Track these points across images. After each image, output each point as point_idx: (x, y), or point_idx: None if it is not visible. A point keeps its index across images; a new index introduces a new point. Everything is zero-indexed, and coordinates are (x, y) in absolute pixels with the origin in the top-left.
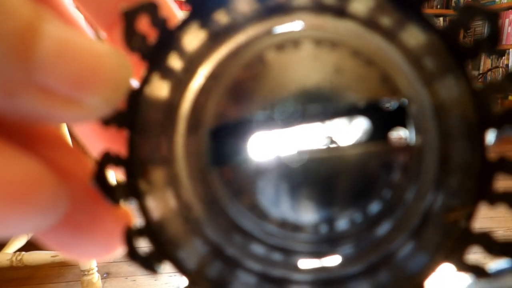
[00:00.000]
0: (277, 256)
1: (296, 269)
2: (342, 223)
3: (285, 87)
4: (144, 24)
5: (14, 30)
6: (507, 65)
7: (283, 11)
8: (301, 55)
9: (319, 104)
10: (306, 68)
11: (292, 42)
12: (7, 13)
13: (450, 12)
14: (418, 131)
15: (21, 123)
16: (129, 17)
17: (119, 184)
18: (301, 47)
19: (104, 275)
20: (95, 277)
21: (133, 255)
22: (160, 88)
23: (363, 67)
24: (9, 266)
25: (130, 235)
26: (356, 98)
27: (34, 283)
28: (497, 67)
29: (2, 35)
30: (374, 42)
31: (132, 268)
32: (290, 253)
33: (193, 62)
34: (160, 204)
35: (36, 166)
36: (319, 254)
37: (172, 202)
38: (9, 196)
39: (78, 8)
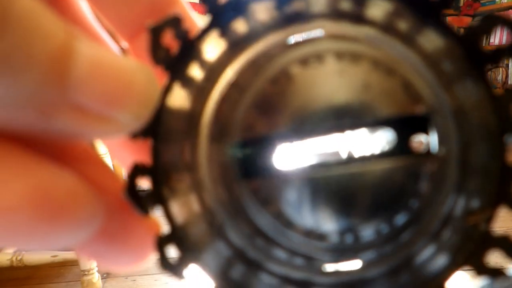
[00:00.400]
0: (299, 261)
1: (318, 272)
2: (367, 234)
3: (313, 103)
4: (168, 38)
5: (50, 52)
6: (507, 64)
7: (301, 18)
8: (326, 71)
9: (347, 120)
10: (333, 84)
11: (315, 56)
12: (43, 36)
13: (450, 11)
14: (441, 139)
15: (57, 140)
16: (155, 33)
17: (147, 194)
18: (325, 62)
19: (104, 275)
20: (95, 277)
21: (164, 262)
22: (182, 97)
23: (386, 79)
24: (9, 266)
25: (161, 243)
26: (384, 112)
27: (34, 283)
28: (497, 66)
29: (39, 58)
30: (393, 48)
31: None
32: (312, 259)
33: (214, 71)
34: (184, 210)
35: (75, 181)
36: (341, 260)
37: (195, 207)
38: (52, 211)
39: (97, 17)
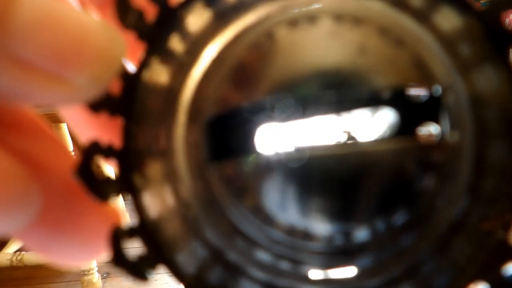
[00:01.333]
0: (284, 265)
1: (306, 280)
2: (361, 233)
3: (298, 69)
4: None
5: None
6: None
7: None
8: (317, 32)
9: (339, 90)
10: (323, 47)
11: (307, 17)
12: None
13: None
14: (453, 126)
15: None
16: None
17: (108, 178)
18: (318, 23)
19: (104, 275)
20: (95, 277)
21: (119, 259)
22: (160, 73)
23: (392, 48)
24: (9, 266)
25: (118, 236)
26: (383, 83)
27: (34, 283)
28: None
29: None
30: (404, 22)
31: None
32: (299, 263)
33: (196, 45)
34: (156, 201)
35: (0, 157)
36: (332, 265)
37: (169, 199)
38: None
39: None
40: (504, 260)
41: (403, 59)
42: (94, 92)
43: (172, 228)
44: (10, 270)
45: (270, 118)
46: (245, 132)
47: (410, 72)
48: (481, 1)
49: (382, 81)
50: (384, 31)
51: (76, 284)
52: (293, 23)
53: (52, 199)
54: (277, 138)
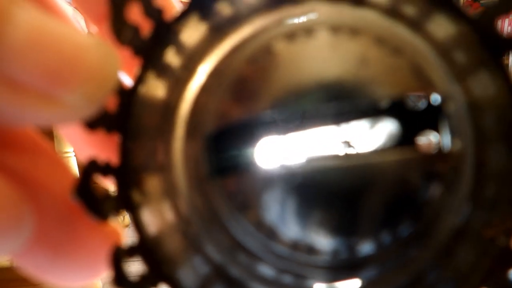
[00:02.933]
0: (288, 280)
1: None
2: (366, 247)
3: (298, 82)
4: (136, 14)
5: None
6: (507, 65)
7: (294, 0)
8: (315, 45)
9: (339, 102)
10: (322, 60)
11: (304, 30)
12: None
13: None
14: (454, 134)
15: None
16: (117, 4)
17: (107, 197)
18: (315, 36)
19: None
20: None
21: (120, 279)
22: (156, 88)
23: (391, 57)
24: (9, 266)
25: (118, 256)
26: (384, 93)
27: (34, 283)
28: None
29: None
30: (399, 31)
31: (133, 268)
32: (303, 278)
33: (192, 59)
34: (156, 217)
35: None
36: (337, 279)
37: (169, 215)
38: None
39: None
40: (508, 266)
41: (402, 68)
42: (89, 111)
43: (173, 245)
44: (10, 270)
45: (270, 131)
46: (245, 145)
47: (410, 81)
48: (481, 1)
49: (383, 91)
50: (381, 41)
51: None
52: (291, 36)
53: (50, 219)
54: (278, 151)
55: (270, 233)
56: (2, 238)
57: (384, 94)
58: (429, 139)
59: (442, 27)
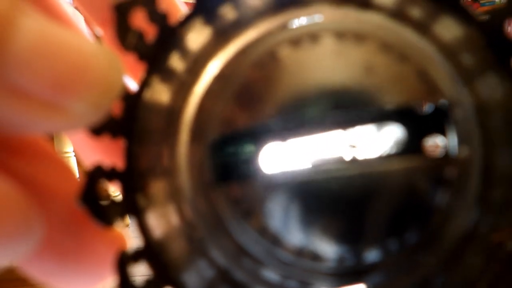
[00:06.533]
0: (293, 285)
1: None
2: (373, 254)
3: (304, 89)
4: (140, 19)
5: None
6: None
7: (298, 3)
8: (321, 52)
9: (345, 109)
10: (328, 67)
11: (309, 36)
12: None
13: None
14: (462, 140)
15: None
16: (122, 11)
17: (112, 202)
18: (321, 42)
19: None
20: None
21: (125, 284)
22: (161, 92)
23: (397, 64)
24: (9, 266)
25: (124, 261)
26: (391, 100)
27: (34, 283)
28: None
29: None
30: (405, 35)
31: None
32: (308, 284)
33: (197, 63)
34: (161, 222)
35: (0, 183)
36: (342, 286)
37: (174, 219)
38: None
39: (77, 8)
40: None
41: (409, 74)
42: (94, 118)
43: (178, 249)
44: (10, 270)
45: (275, 138)
46: (250, 152)
47: (416, 88)
48: (480, 1)
49: (390, 98)
50: (387, 47)
51: None
52: (296, 42)
53: (56, 225)
54: (282, 157)
55: (274, 240)
56: (12, 243)
57: (390, 101)
58: (436, 144)
59: (449, 29)
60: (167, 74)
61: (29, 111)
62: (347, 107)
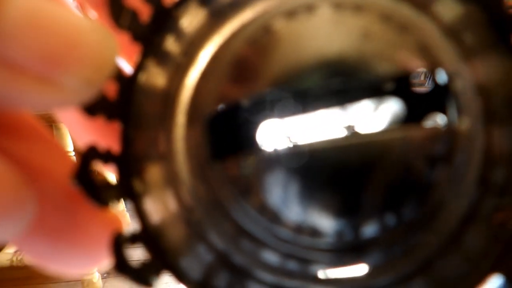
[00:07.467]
0: (292, 265)
1: (315, 280)
2: (371, 228)
3: (299, 60)
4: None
5: None
6: None
7: None
8: (317, 21)
9: (342, 78)
10: (324, 36)
11: (305, 7)
12: None
13: None
14: (461, 114)
15: None
16: None
17: (108, 184)
18: (317, 12)
19: (104, 275)
20: (95, 276)
21: (122, 266)
22: (157, 75)
23: (396, 33)
24: (9, 266)
25: (119, 242)
26: (388, 69)
27: (34, 283)
28: None
29: None
30: (406, 9)
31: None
32: (307, 262)
33: (192, 45)
34: (158, 206)
35: None
36: (342, 263)
37: (171, 203)
38: None
39: None
40: None
41: (408, 45)
42: (87, 94)
43: (176, 233)
44: (10, 270)
45: (272, 114)
46: (247, 129)
47: (415, 58)
48: None
49: (387, 67)
50: (387, 18)
51: (76, 284)
52: (291, 14)
53: (51, 205)
54: (280, 133)
55: (273, 217)
56: (5, 221)
57: (388, 70)
58: (436, 119)
59: (449, 7)
60: (162, 57)
61: (21, 85)
62: (344, 76)
